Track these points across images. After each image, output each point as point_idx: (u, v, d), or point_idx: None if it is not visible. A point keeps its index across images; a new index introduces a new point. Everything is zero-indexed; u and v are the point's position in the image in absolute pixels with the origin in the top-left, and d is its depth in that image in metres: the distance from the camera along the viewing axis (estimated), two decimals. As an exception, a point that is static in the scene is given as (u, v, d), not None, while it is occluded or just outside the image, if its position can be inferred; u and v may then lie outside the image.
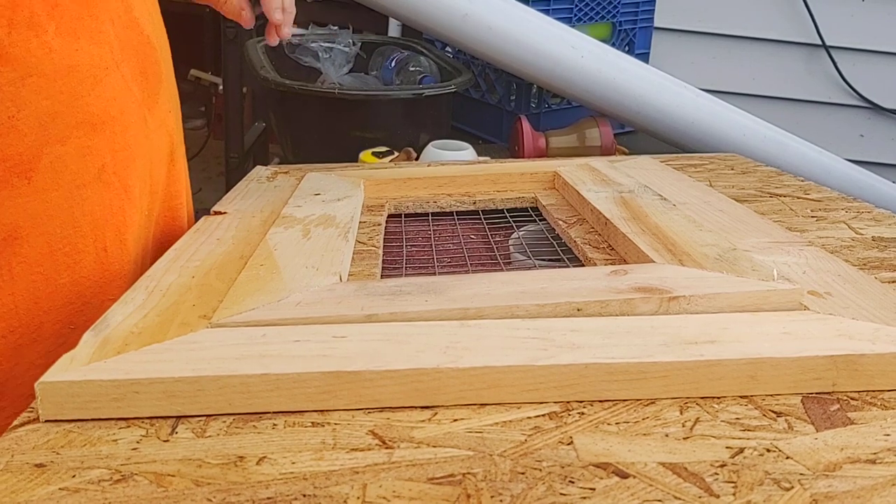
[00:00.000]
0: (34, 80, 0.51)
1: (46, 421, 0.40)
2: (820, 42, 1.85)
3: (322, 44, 1.53)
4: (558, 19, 1.40)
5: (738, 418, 0.40)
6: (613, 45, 1.53)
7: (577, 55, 1.33)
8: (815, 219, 0.73)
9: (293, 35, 1.75)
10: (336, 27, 1.84)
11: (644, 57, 1.60)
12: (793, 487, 0.34)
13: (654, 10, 1.60)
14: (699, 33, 1.86)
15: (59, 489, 0.35)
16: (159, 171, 0.66)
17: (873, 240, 0.67)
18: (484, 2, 1.31)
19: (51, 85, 0.52)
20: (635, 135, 1.59)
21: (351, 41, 1.53)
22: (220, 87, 2.40)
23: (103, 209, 0.57)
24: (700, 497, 0.34)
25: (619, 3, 1.54)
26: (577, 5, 1.48)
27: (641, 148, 1.49)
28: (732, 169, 0.94)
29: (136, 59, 0.61)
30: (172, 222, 0.70)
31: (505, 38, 1.32)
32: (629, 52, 1.55)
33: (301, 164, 1.03)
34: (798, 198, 0.81)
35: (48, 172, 0.53)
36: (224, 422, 0.40)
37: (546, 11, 1.41)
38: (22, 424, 0.40)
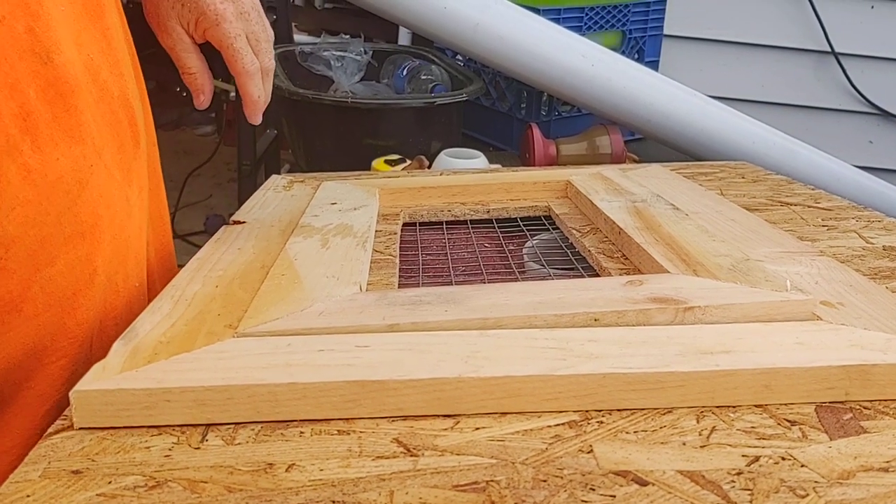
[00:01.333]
0: (18, 211, 0.46)
1: (80, 428, 0.42)
2: (829, 49, 1.86)
3: (334, 52, 1.55)
4: (568, 28, 1.41)
5: (753, 427, 0.41)
6: (623, 53, 1.54)
7: (587, 64, 1.34)
8: (826, 228, 0.74)
9: (305, 43, 1.77)
10: (348, 36, 1.85)
11: (654, 65, 1.61)
12: (808, 495, 0.35)
13: (663, 17, 1.61)
14: (709, 41, 1.87)
15: (97, 495, 0.36)
16: (144, 233, 0.60)
17: (884, 249, 0.68)
18: (495, 11, 1.33)
19: (36, 210, 0.47)
20: (645, 142, 1.60)
21: (362, 50, 1.55)
22: (231, 94, 2.42)
23: (95, 311, 0.52)
24: (718, 504, 0.35)
25: (629, 11, 1.55)
26: (587, 14, 1.50)
27: (651, 155, 1.50)
28: (743, 177, 0.95)
29: (113, 135, 0.54)
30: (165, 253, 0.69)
31: (516, 48, 1.33)
32: (639, 60, 1.56)
33: (313, 171, 1.05)
34: (809, 206, 0.82)
35: (39, 297, 0.48)
36: (252, 429, 0.41)
37: (556, 20, 1.43)
38: (56, 432, 0.41)
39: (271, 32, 0.65)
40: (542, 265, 0.71)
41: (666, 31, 1.66)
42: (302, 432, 0.41)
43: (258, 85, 0.63)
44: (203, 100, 0.65)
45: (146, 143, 0.63)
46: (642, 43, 1.60)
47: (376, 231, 0.76)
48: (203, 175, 2.88)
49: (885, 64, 1.87)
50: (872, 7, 1.83)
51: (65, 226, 0.49)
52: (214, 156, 2.74)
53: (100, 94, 0.53)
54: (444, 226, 0.84)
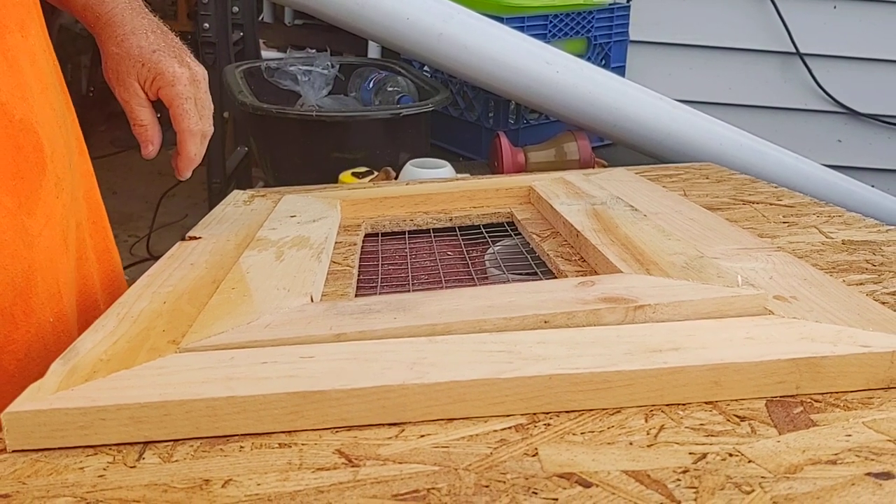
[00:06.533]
0: None
1: (14, 451, 0.40)
2: (794, 50, 1.87)
3: (300, 67, 1.54)
4: (533, 36, 1.41)
5: (702, 424, 0.40)
6: (589, 59, 1.55)
7: (552, 71, 1.34)
8: (787, 224, 0.74)
9: (272, 59, 1.77)
10: (314, 50, 1.85)
11: (620, 70, 1.62)
12: (753, 490, 0.34)
13: (628, 23, 1.62)
14: (674, 45, 1.88)
15: (23, 519, 0.35)
16: (59, 263, 0.59)
17: (843, 243, 0.68)
18: (458, 21, 1.33)
19: None
20: (614, 147, 1.60)
21: (329, 63, 1.54)
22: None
23: None
24: (662, 503, 0.34)
25: (593, 17, 1.55)
26: (551, 21, 1.50)
27: (621, 160, 1.50)
28: (707, 178, 0.95)
29: (5, 161, 0.53)
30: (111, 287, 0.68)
31: (480, 56, 1.33)
32: (605, 66, 1.56)
33: (281, 186, 1.04)
34: (770, 204, 0.82)
35: None
36: (191, 446, 0.40)
37: (521, 28, 1.43)
38: (-11, 456, 0.40)
39: (212, 105, 0.70)
40: (503, 271, 0.71)
41: (631, 37, 1.67)
42: (242, 447, 0.40)
43: (197, 144, 0.68)
44: (151, 150, 0.68)
45: (71, 174, 0.62)
46: (608, 49, 1.60)
47: (337, 242, 0.75)
48: (178, 195, 2.86)
49: (850, 63, 1.89)
50: (835, 7, 1.85)
51: None
52: (188, 175, 2.72)
53: None
54: (407, 235, 0.83)
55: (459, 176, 1.24)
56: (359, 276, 0.69)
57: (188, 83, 0.66)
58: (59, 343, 0.56)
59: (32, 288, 0.54)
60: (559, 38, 1.51)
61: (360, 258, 0.74)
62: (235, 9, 1.79)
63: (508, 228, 0.82)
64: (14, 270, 0.53)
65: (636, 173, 0.95)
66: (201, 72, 0.68)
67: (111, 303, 0.63)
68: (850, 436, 0.39)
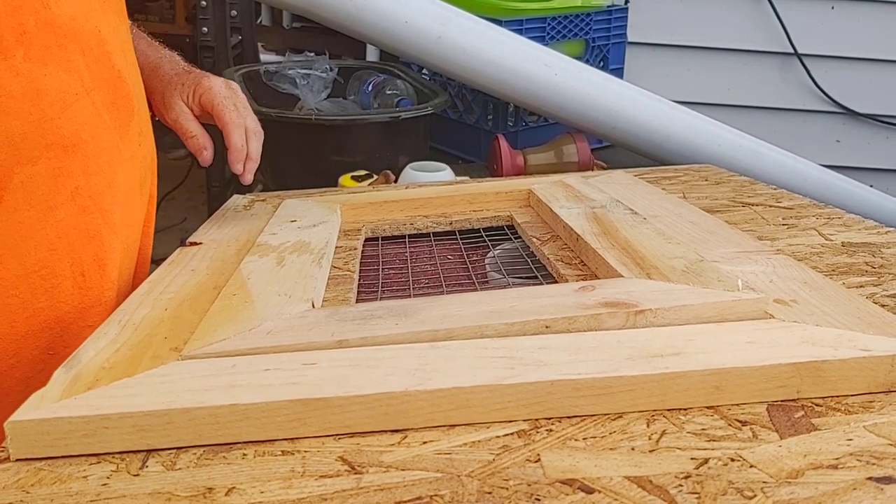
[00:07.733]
0: (2, 101, 0.53)
1: (17, 460, 0.40)
2: (792, 51, 1.88)
3: (299, 70, 1.54)
4: (531, 38, 1.42)
5: (703, 429, 0.40)
6: (587, 61, 1.55)
7: (550, 73, 1.34)
8: (787, 226, 0.74)
9: (270, 63, 1.77)
10: (313, 53, 1.85)
11: (619, 72, 1.62)
12: (755, 496, 0.34)
13: (626, 25, 1.62)
14: (673, 46, 1.88)
15: (28, 528, 0.35)
16: (135, 201, 0.66)
17: (843, 245, 0.68)
18: (457, 24, 1.33)
19: (19, 106, 0.54)
20: (614, 149, 1.61)
21: (328, 67, 1.54)
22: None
23: (79, 232, 0.58)
24: (664, 509, 0.34)
25: (591, 19, 1.56)
26: (549, 24, 1.50)
27: (620, 162, 1.51)
28: (706, 180, 0.95)
29: (106, 90, 0.61)
30: (143, 259, 0.72)
31: (479, 59, 1.33)
32: (603, 68, 1.56)
33: (281, 190, 1.04)
34: (770, 206, 0.82)
35: (19, 192, 0.54)
36: (194, 454, 0.40)
37: (519, 31, 1.43)
38: (-8, 464, 0.40)
39: (259, 127, 0.78)
40: (504, 275, 0.71)
41: (629, 39, 1.67)
42: (245, 454, 0.40)
43: (241, 136, 0.75)
44: (206, 155, 0.76)
45: (140, 131, 0.67)
46: (606, 51, 1.60)
47: (337, 247, 0.75)
48: (177, 199, 2.85)
49: (848, 63, 1.89)
50: (833, 7, 1.85)
51: (46, 132, 0.55)
52: (187, 179, 2.72)
53: (102, 56, 0.61)
54: (407, 239, 0.83)
55: (459, 179, 1.24)
56: (359, 280, 0.69)
57: (224, 86, 0.76)
58: (128, 257, 0.66)
59: (125, 200, 0.63)
60: (557, 40, 1.51)
61: (361, 263, 0.74)
62: (234, 12, 1.79)
63: (508, 232, 0.83)
64: (108, 176, 0.60)
65: (635, 175, 0.95)
66: (235, 84, 0.78)
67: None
68: (851, 440, 0.39)
